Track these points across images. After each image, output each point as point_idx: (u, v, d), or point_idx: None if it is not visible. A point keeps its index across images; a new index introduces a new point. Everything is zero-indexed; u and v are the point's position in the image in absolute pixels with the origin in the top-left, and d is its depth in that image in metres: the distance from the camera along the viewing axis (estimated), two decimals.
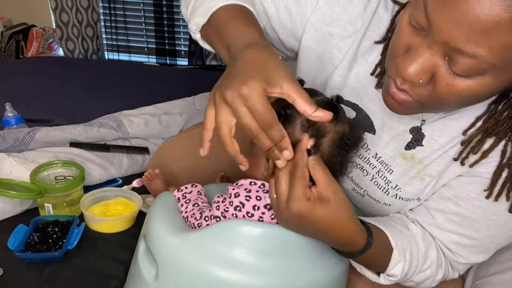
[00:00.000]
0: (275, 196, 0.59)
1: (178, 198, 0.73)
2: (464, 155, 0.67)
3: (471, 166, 0.67)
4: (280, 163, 0.56)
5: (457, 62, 0.50)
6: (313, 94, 0.62)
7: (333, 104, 0.65)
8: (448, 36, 0.48)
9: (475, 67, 0.49)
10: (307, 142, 0.57)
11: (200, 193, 0.74)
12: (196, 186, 0.75)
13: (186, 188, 0.74)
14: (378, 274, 0.71)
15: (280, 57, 0.58)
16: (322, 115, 0.53)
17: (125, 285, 0.80)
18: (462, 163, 0.68)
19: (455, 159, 0.69)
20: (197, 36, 0.71)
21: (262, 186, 0.65)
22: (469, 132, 0.67)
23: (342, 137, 0.64)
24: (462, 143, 0.67)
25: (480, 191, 0.68)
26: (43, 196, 0.94)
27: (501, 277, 0.80)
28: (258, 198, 0.64)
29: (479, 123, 0.66)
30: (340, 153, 0.65)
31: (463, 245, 0.72)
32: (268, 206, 0.64)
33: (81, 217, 0.97)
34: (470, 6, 0.45)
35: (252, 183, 0.65)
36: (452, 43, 0.48)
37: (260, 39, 0.60)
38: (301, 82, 0.66)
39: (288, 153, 0.55)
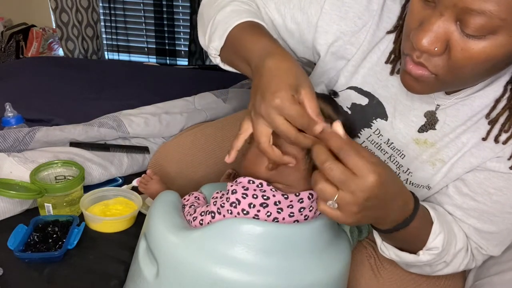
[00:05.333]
0: (333, 199, 0.53)
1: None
2: (496, 132, 0.68)
3: (504, 143, 0.68)
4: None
5: (468, 22, 0.51)
6: (325, 99, 0.66)
7: (330, 97, 0.70)
8: None
9: (486, 24, 0.50)
10: (340, 125, 0.56)
11: (198, 198, 0.76)
12: (192, 194, 0.78)
13: (184, 199, 0.77)
14: (415, 253, 0.69)
15: (297, 61, 0.62)
16: (319, 129, 0.56)
17: (125, 284, 0.80)
18: (496, 141, 0.69)
19: (484, 139, 0.69)
20: (217, 60, 0.76)
21: (260, 186, 0.66)
22: (493, 113, 0.68)
23: (344, 125, 0.66)
24: (490, 122, 0.69)
25: (498, 186, 0.70)
26: (43, 196, 0.94)
27: (501, 278, 0.80)
28: (255, 196, 0.64)
29: (501, 104, 0.67)
30: None
31: (481, 237, 0.74)
32: (264, 205, 0.64)
33: (81, 216, 0.97)
34: None
35: (251, 182, 0.66)
36: (460, 4, 0.51)
37: (275, 46, 0.64)
38: (335, 94, 0.72)
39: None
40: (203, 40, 0.78)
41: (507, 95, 0.66)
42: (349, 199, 0.52)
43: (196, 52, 2.40)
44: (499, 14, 0.49)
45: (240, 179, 0.67)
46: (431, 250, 0.68)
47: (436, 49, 0.55)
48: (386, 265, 0.82)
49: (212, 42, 0.73)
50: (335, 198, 0.53)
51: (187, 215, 0.71)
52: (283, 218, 0.65)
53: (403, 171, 0.77)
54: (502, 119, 0.67)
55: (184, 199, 0.77)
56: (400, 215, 0.62)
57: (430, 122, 0.73)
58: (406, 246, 0.71)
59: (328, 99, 0.70)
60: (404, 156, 0.76)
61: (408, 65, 0.60)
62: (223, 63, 0.76)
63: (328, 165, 0.52)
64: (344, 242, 0.72)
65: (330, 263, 0.67)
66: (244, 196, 0.64)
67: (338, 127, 0.55)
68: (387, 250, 0.73)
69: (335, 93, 0.71)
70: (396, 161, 0.77)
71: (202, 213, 0.68)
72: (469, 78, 0.60)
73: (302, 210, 0.66)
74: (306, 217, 0.67)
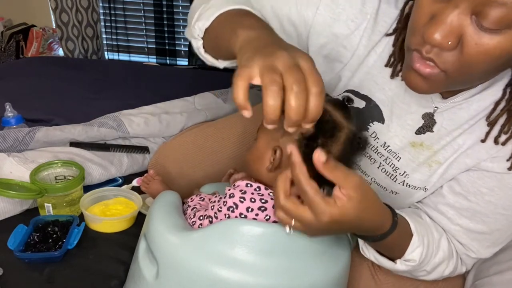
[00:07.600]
0: (290, 225, 0.58)
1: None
2: (496, 133, 0.68)
3: (503, 144, 0.68)
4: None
5: (487, 15, 0.49)
6: (336, 104, 0.67)
7: (344, 103, 0.68)
8: None
9: (505, 16, 0.48)
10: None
11: (203, 199, 0.76)
12: (199, 194, 0.78)
13: (191, 200, 0.76)
14: (393, 260, 0.71)
15: None
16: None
17: (125, 284, 0.80)
18: (496, 142, 0.68)
19: (482, 141, 0.69)
20: (199, 44, 0.71)
21: (257, 189, 0.66)
22: (493, 115, 0.68)
23: (354, 136, 0.66)
24: (489, 124, 0.69)
25: (491, 186, 0.70)
26: (43, 196, 0.94)
27: (501, 277, 0.80)
28: (253, 200, 0.65)
29: (501, 106, 0.67)
30: (350, 151, 0.67)
31: (472, 238, 0.74)
32: (262, 208, 0.64)
33: (81, 216, 0.97)
34: None
35: (248, 185, 0.66)
36: None
37: (274, 32, 0.60)
38: (349, 100, 0.72)
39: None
40: (188, 30, 0.74)
41: (506, 97, 0.66)
42: (303, 229, 0.58)
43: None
44: None
45: (238, 183, 0.67)
46: (409, 261, 0.69)
47: (449, 43, 0.52)
48: (382, 267, 0.82)
49: (199, 21, 0.69)
50: (292, 225, 0.57)
51: (188, 218, 0.71)
52: None
53: (399, 173, 0.77)
54: (501, 121, 0.67)
55: (191, 199, 0.77)
56: (373, 233, 0.63)
57: (428, 124, 0.73)
58: (385, 252, 0.72)
59: (340, 104, 0.67)
60: (400, 158, 0.76)
61: (415, 63, 0.57)
62: (204, 50, 0.72)
63: (281, 203, 0.56)
64: (344, 243, 0.72)
65: (330, 265, 0.67)
66: (242, 200, 0.64)
67: (317, 154, 0.53)
68: (368, 252, 0.74)
69: (349, 100, 0.70)
70: (392, 164, 0.77)
71: (201, 217, 0.68)
72: (478, 75, 0.59)
73: None
74: None
